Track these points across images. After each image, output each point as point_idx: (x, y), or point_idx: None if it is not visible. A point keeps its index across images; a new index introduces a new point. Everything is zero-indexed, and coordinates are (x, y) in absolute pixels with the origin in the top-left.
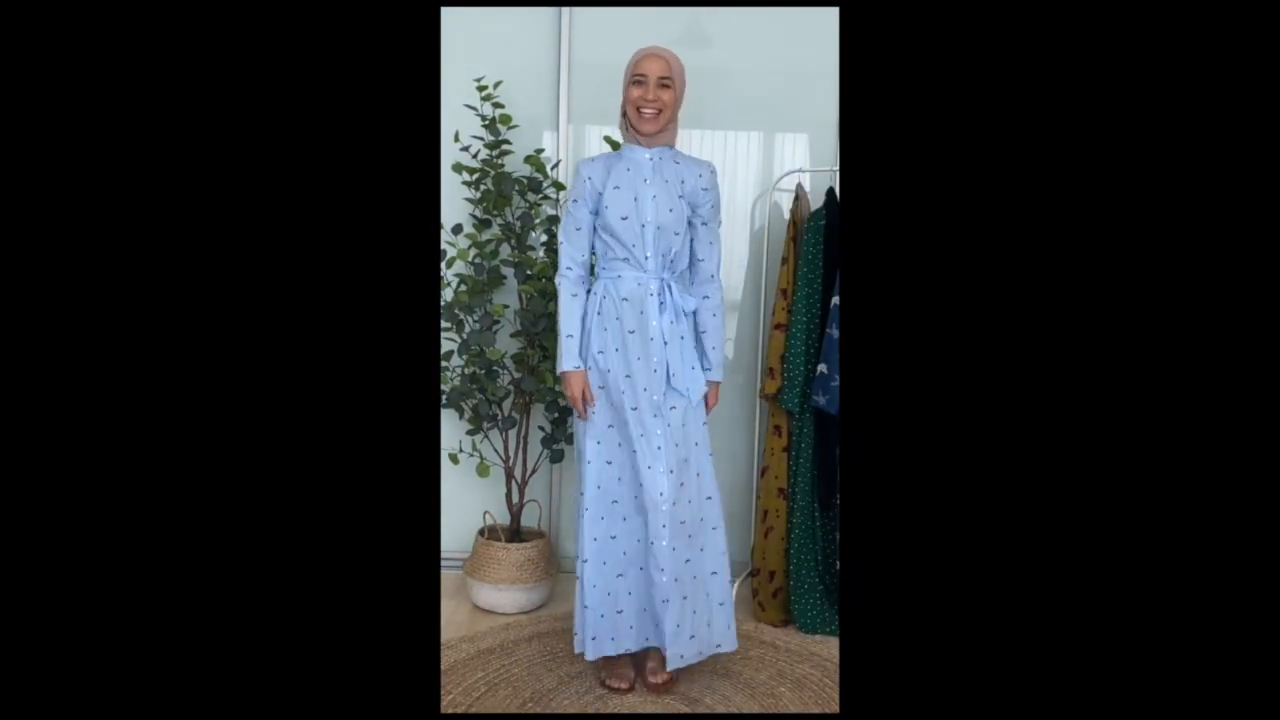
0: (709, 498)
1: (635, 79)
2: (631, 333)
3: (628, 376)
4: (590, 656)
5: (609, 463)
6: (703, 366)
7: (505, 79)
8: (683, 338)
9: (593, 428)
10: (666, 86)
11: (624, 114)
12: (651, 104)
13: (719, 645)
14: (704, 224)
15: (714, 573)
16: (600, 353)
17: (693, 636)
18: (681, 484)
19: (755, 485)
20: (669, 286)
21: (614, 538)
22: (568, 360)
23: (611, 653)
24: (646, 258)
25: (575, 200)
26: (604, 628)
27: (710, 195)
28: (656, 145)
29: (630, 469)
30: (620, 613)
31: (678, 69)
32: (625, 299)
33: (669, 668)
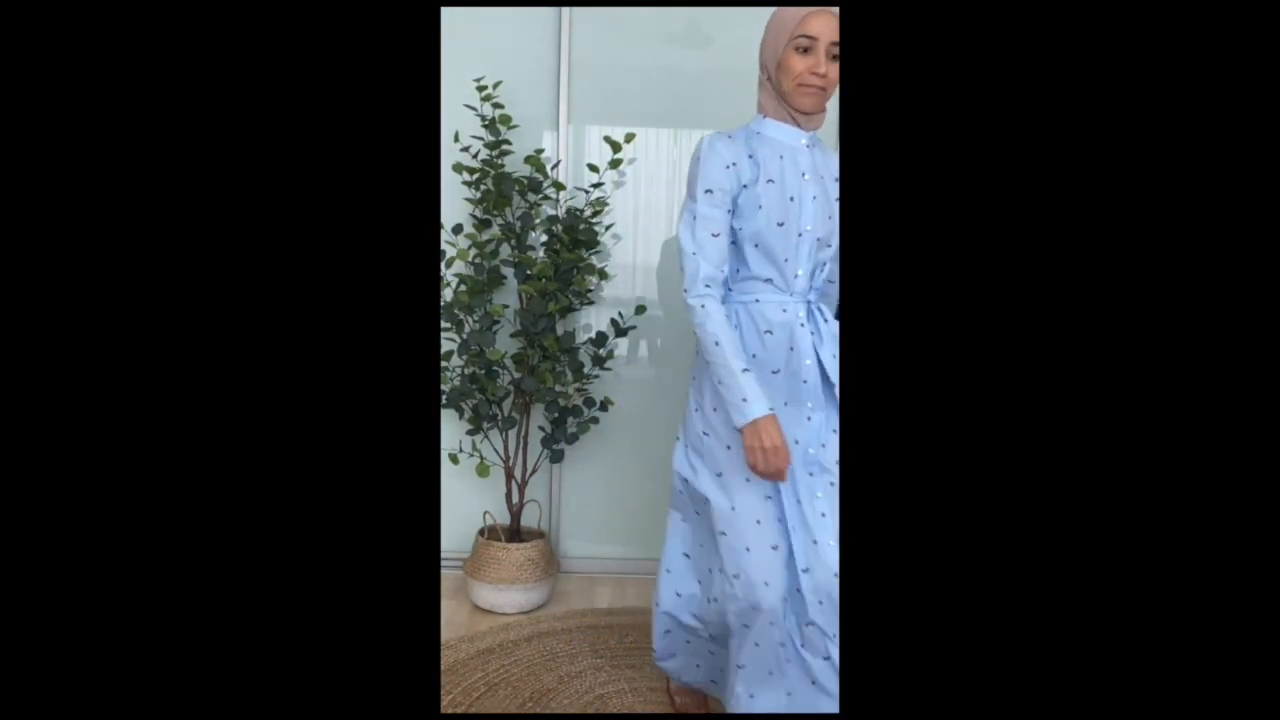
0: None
1: (799, 42)
2: (776, 373)
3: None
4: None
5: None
6: None
7: (505, 79)
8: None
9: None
10: (837, 57)
11: (767, 81)
12: (821, 79)
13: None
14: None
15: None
16: None
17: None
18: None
19: None
20: (818, 310)
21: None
22: (755, 403)
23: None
24: (797, 276)
25: (709, 191)
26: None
27: (837, 206)
28: (811, 128)
29: (763, 542)
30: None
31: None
32: (769, 331)
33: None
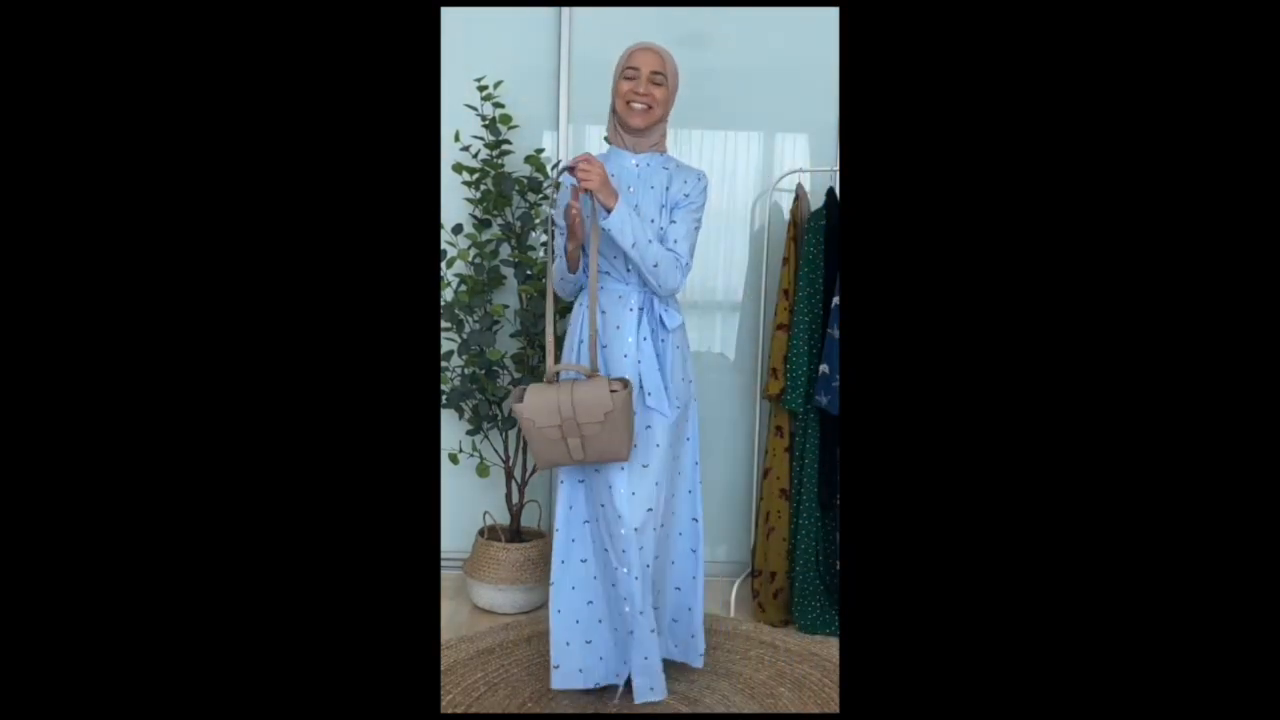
0: (694, 519)
1: (627, 73)
2: (605, 347)
3: None
4: (556, 685)
5: (581, 481)
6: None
7: (505, 79)
8: (659, 355)
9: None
10: (659, 84)
11: (612, 112)
12: (642, 98)
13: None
14: (671, 219)
15: (689, 609)
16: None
17: (648, 658)
18: (651, 509)
19: (756, 486)
20: (652, 300)
21: (584, 560)
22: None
23: (580, 685)
24: (629, 270)
25: (555, 208)
26: (572, 657)
27: (693, 199)
28: (644, 150)
29: (604, 490)
30: (589, 643)
31: (671, 67)
32: (604, 311)
33: (636, 700)
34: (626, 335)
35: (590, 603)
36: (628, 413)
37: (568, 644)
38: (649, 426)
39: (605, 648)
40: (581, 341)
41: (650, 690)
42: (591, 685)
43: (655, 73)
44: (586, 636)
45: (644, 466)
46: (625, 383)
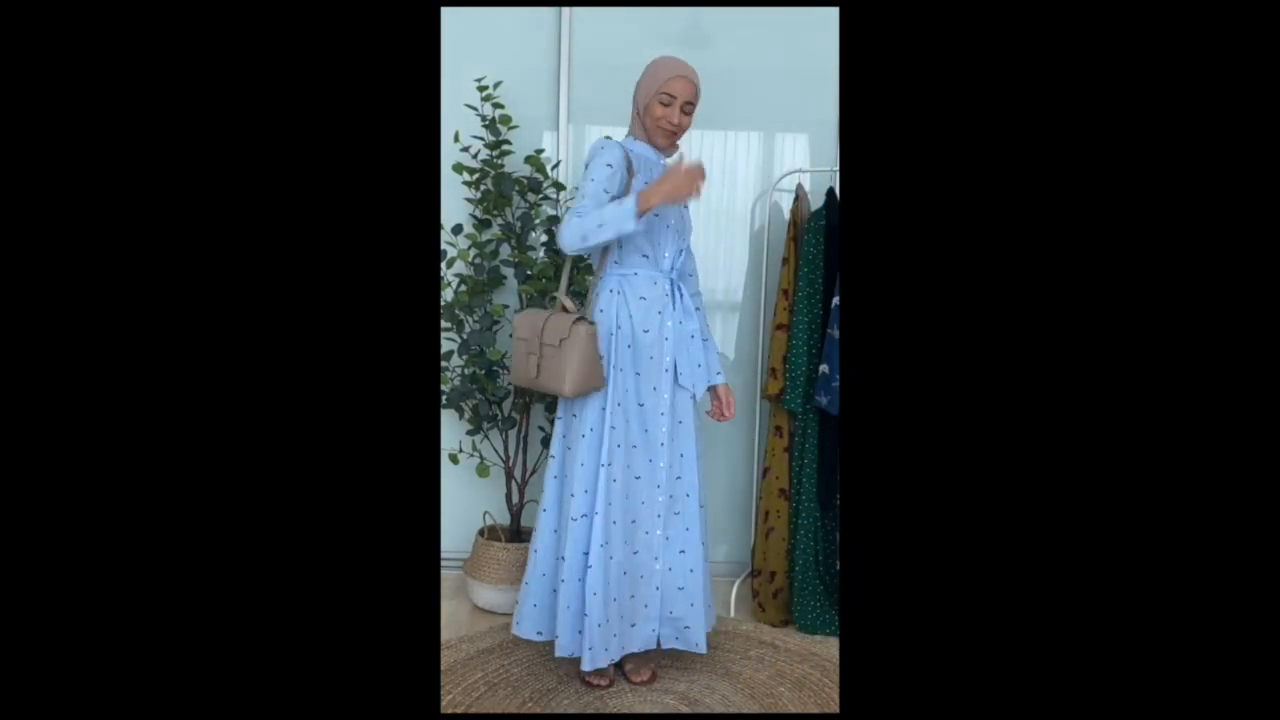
0: (696, 500)
1: (662, 97)
2: (646, 332)
3: (637, 374)
4: (589, 667)
5: (608, 466)
6: (712, 371)
7: (505, 79)
8: (692, 336)
9: (595, 440)
10: (688, 113)
11: (637, 116)
12: (675, 127)
13: (695, 642)
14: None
15: (691, 570)
16: (614, 350)
17: (671, 614)
18: (679, 478)
19: (756, 486)
20: (679, 286)
21: (605, 544)
22: (627, 201)
23: (603, 664)
24: (665, 257)
25: (610, 165)
26: (600, 638)
27: (688, 213)
28: (668, 156)
29: (625, 472)
30: (608, 622)
31: (699, 92)
32: (643, 297)
33: (640, 648)
34: (667, 320)
35: (609, 583)
36: (578, 348)
37: (599, 625)
38: (693, 397)
39: (616, 626)
40: (619, 328)
41: (653, 632)
42: (610, 662)
43: (688, 103)
44: (607, 617)
45: (675, 441)
46: (588, 322)
